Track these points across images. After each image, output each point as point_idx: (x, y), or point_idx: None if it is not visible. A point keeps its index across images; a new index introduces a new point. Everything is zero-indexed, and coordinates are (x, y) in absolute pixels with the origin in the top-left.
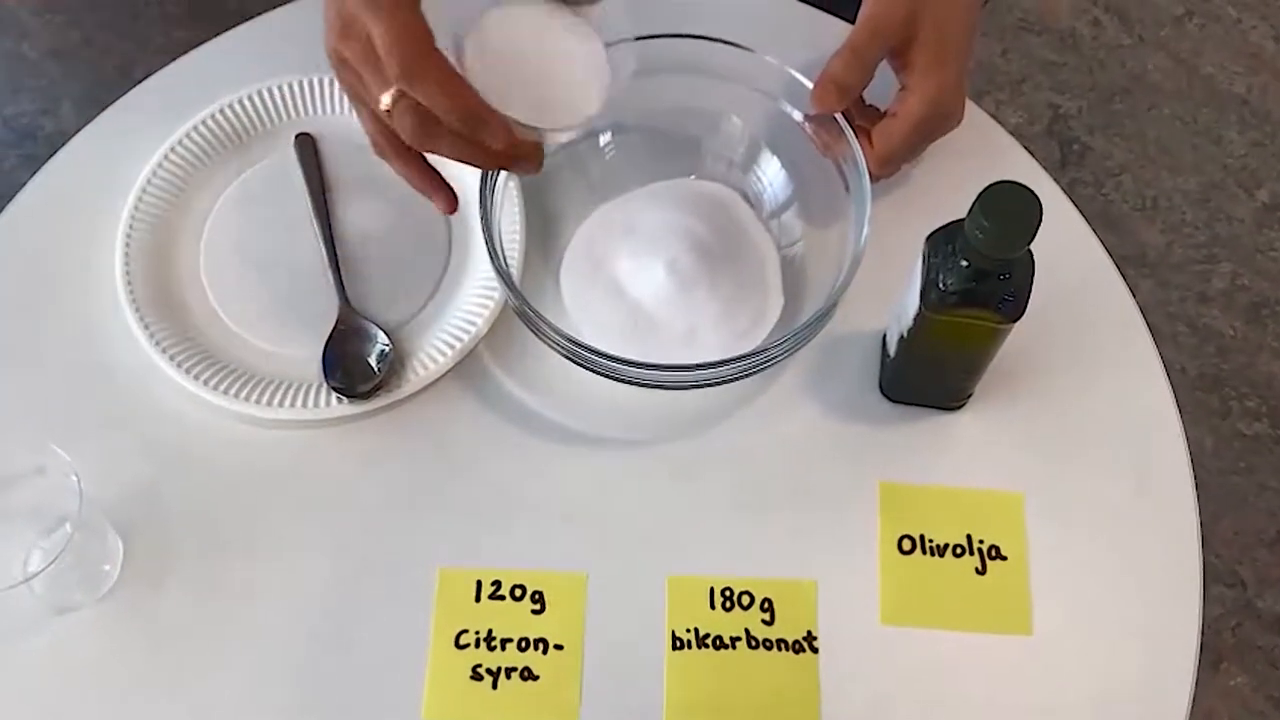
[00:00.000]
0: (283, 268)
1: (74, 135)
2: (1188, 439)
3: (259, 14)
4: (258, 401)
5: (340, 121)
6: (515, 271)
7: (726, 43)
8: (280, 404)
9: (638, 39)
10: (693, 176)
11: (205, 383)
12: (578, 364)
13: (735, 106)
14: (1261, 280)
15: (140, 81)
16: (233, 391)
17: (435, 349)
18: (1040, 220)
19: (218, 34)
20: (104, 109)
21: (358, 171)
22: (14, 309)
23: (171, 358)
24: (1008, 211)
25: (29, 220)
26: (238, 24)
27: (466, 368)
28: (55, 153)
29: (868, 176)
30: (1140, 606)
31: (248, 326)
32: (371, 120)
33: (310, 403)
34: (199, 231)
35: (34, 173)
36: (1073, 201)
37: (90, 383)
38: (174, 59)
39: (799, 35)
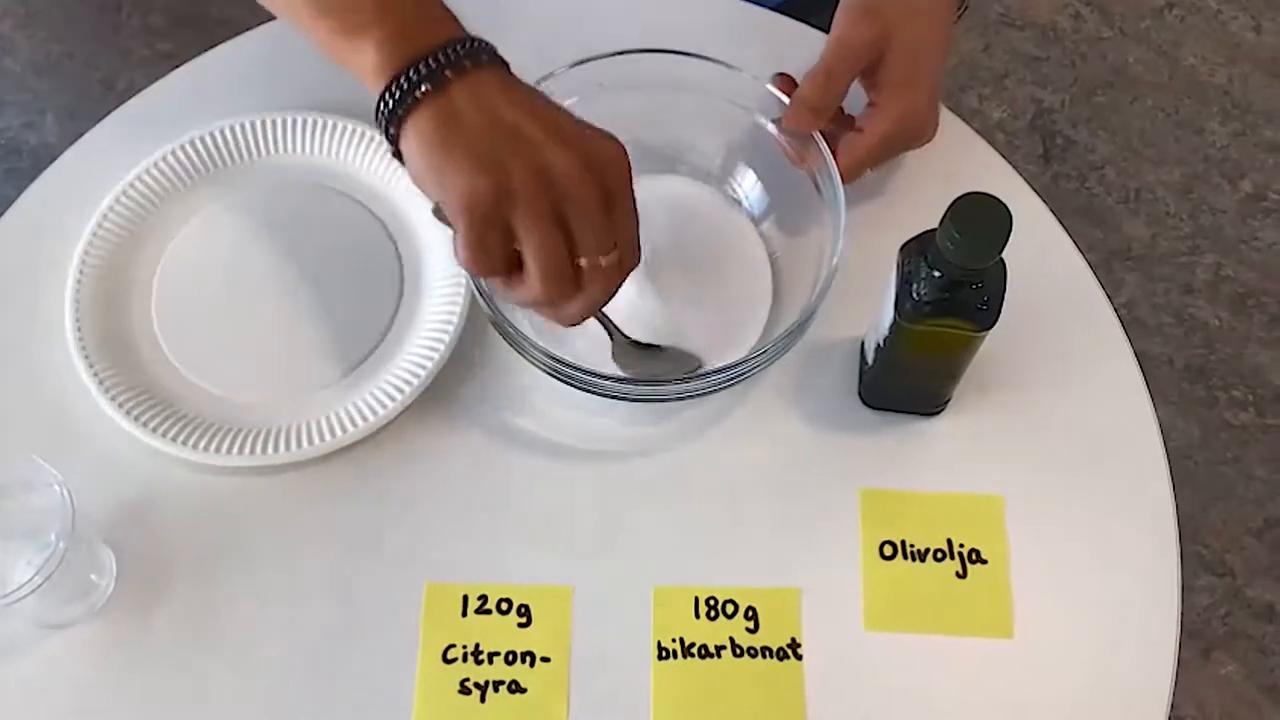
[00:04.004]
0: (240, 308)
1: (58, 151)
2: (1175, 430)
3: (245, 26)
4: (215, 450)
5: (287, 161)
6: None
7: (701, 57)
8: (255, 451)
9: (614, 54)
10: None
11: (168, 436)
12: (558, 379)
13: (711, 119)
14: (1246, 270)
15: (124, 94)
16: (191, 441)
17: (406, 371)
18: (1010, 231)
19: (201, 45)
20: (87, 122)
21: (308, 208)
22: None
23: (134, 415)
24: (978, 223)
25: (7, 240)
26: (220, 34)
27: (442, 387)
28: (39, 168)
29: (842, 194)
30: (1120, 606)
31: (209, 371)
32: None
33: (295, 445)
34: (150, 278)
35: (18, 187)
36: (1048, 204)
37: (77, 404)
38: (157, 70)
39: (773, 44)
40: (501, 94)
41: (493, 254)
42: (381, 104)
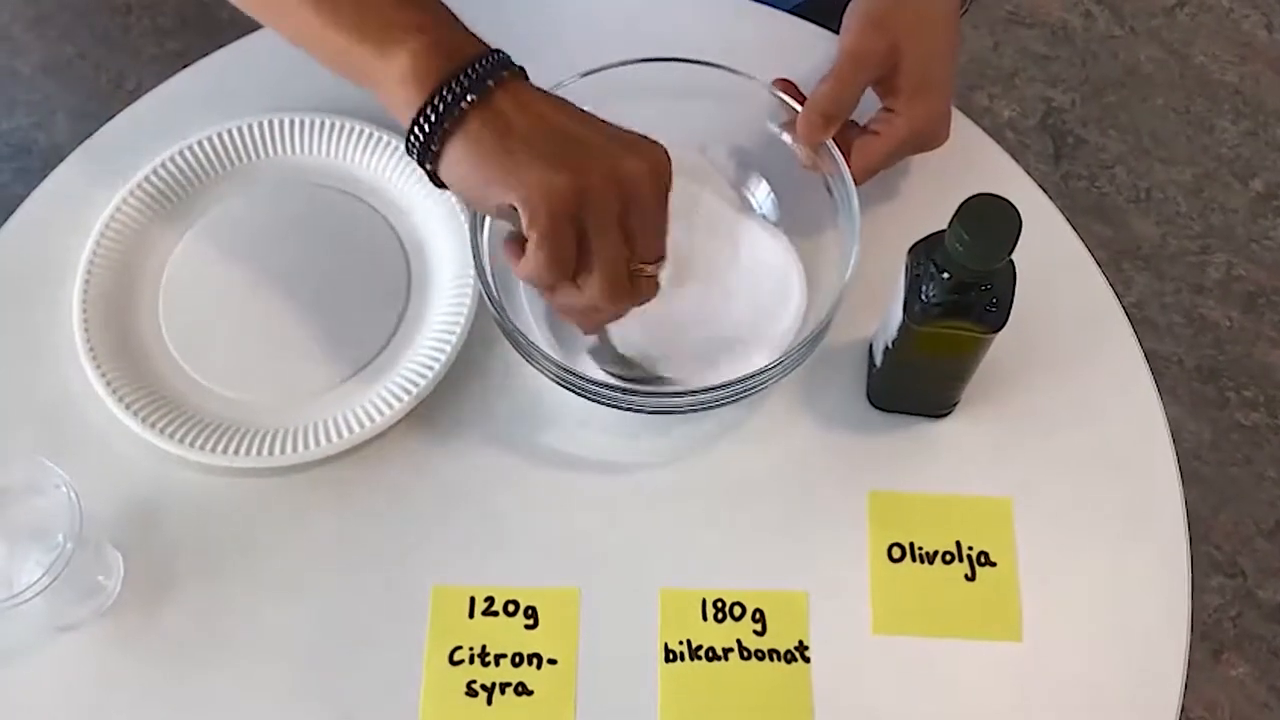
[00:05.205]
0: (248, 311)
1: (67, 151)
2: (1186, 431)
3: (254, 27)
4: (222, 451)
5: (296, 162)
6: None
7: (712, 64)
8: (262, 452)
9: (624, 63)
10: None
11: (174, 437)
12: (565, 388)
13: (723, 128)
14: (1257, 269)
15: (133, 94)
16: (198, 443)
17: (412, 373)
18: (1019, 233)
19: (210, 45)
20: (97, 122)
21: (316, 209)
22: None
23: (141, 416)
24: (987, 224)
25: (20, 235)
26: (229, 34)
27: (449, 390)
28: (49, 167)
29: (856, 200)
30: (1130, 608)
31: (221, 375)
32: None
33: (302, 446)
34: (158, 278)
35: (28, 186)
36: (1057, 203)
37: (84, 405)
38: (166, 70)
39: (786, 48)
40: (540, 101)
41: (566, 255)
42: (421, 118)
